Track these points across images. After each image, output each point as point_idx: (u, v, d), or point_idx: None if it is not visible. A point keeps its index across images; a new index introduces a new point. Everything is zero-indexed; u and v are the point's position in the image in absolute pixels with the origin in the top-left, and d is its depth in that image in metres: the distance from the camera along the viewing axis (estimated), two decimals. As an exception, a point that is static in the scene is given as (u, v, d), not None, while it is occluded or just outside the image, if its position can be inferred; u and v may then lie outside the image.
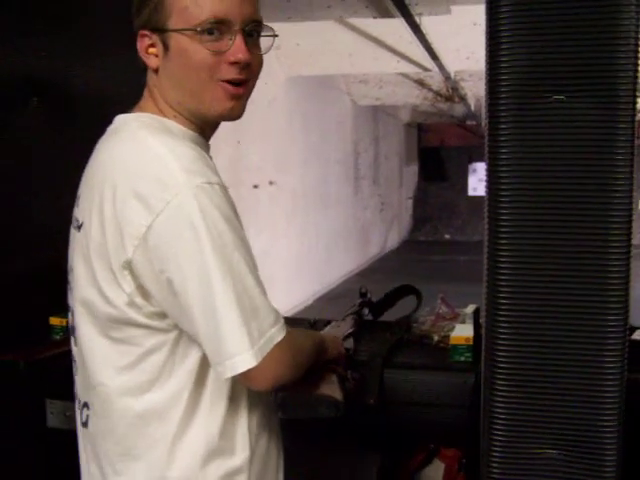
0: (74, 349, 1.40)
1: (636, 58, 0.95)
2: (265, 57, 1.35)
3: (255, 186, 7.52)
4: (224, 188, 1.23)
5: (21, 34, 2.01)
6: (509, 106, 1.00)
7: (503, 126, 1.01)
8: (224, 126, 1.40)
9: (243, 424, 1.32)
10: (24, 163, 1.99)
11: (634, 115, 0.99)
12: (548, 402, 1.19)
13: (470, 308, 2.12)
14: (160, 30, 1.27)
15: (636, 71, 0.96)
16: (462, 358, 1.98)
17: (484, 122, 1.10)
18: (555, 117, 1.02)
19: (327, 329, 1.82)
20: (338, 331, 1.79)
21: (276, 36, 1.33)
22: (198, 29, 1.24)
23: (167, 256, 1.18)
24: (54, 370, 1.83)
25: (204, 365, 1.26)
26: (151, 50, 1.30)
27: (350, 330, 1.83)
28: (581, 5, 0.97)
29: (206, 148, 1.37)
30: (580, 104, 1.00)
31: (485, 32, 1.02)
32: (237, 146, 6.90)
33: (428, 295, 2.46)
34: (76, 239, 1.33)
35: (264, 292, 1.23)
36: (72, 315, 1.38)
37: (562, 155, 1.06)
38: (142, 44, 1.31)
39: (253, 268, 1.22)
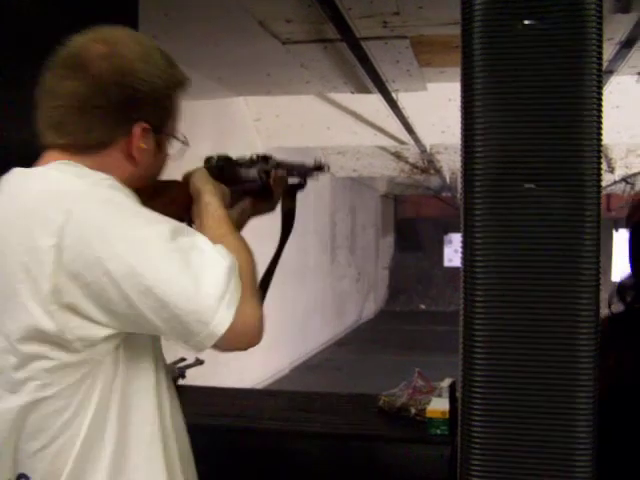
0: None
1: (599, 151, 1.04)
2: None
3: (233, 256, 7.54)
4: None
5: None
6: (484, 193, 1.07)
7: (478, 212, 1.08)
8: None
9: None
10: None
11: (599, 201, 1.06)
12: (524, 477, 1.21)
13: (446, 382, 2.16)
14: (158, 130, 1.27)
15: (599, 162, 1.04)
16: (438, 431, 2.01)
17: (459, 197, 1.16)
18: (527, 202, 1.09)
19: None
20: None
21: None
22: (182, 138, 1.31)
23: (90, 258, 1.09)
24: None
25: None
26: (141, 144, 1.25)
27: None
28: (549, 103, 1.06)
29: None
30: (550, 192, 1.07)
31: (460, 129, 1.09)
32: (216, 216, 6.93)
33: (405, 367, 2.48)
34: None
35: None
36: None
37: (534, 236, 1.12)
38: (139, 138, 1.24)
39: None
